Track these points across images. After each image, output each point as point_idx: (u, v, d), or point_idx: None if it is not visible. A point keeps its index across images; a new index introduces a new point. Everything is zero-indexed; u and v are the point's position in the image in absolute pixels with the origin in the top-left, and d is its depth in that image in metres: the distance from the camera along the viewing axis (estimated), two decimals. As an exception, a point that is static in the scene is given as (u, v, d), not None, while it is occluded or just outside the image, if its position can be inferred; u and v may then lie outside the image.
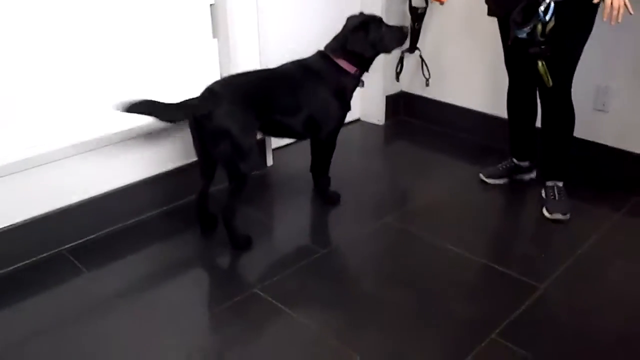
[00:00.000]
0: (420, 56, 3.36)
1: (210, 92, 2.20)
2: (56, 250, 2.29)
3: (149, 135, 2.47)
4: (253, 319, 1.95)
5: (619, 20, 2.09)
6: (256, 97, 2.24)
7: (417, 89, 3.52)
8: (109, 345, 1.84)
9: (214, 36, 2.60)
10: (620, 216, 2.53)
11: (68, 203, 2.30)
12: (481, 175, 2.83)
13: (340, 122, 2.53)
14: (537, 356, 1.76)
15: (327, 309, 2.01)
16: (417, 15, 3.22)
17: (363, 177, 2.97)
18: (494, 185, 2.79)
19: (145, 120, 2.20)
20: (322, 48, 2.47)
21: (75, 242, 2.34)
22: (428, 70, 3.38)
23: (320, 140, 2.53)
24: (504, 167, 2.82)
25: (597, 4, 2.15)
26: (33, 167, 2.15)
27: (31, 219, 2.21)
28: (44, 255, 2.26)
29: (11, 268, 2.18)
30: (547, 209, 2.53)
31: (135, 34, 2.36)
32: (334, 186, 2.68)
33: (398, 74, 3.42)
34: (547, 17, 2.18)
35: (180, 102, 2.17)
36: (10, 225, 2.17)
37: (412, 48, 3.32)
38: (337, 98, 2.44)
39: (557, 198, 2.56)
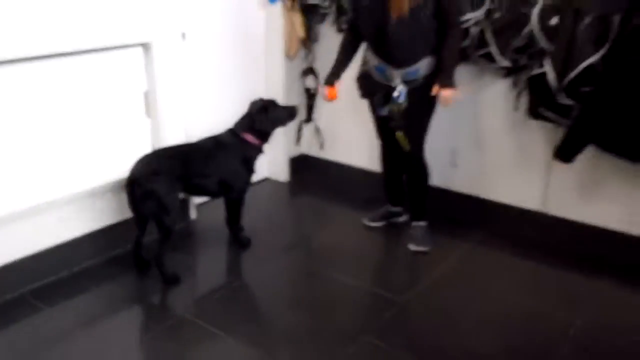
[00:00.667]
0: (315, 125, 4.09)
1: (141, 162, 2.80)
2: (18, 293, 2.74)
3: (92, 196, 2.97)
4: (186, 337, 2.51)
5: (450, 104, 2.90)
6: (178, 165, 2.82)
7: (314, 152, 4.20)
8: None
9: (147, 116, 3.17)
10: (470, 247, 3.27)
11: (25, 254, 2.75)
12: (365, 221, 3.52)
13: (247, 183, 3.11)
14: (402, 351, 2.44)
15: (244, 325, 2.59)
16: (310, 95, 3.97)
17: (271, 226, 3.57)
18: (375, 228, 3.49)
19: (88, 184, 2.79)
20: (231, 126, 3.07)
21: (34, 285, 2.79)
22: (322, 136, 4.10)
23: (231, 198, 3.12)
24: (382, 212, 3.52)
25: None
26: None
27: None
28: (8, 296, 2.70)
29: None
30: (412, 244, 3.23)
31: (82, 113, 2.86)
32: (247, 233, 3.26)
33: (298, 140, 4.13)
34: (400, 100, 2.95)
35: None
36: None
37: (308, 119, 4.06)
38: (243, 165, 3.04)
39: (420, 235, 3.26)
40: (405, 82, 2.91)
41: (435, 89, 2.89)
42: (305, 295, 2.90)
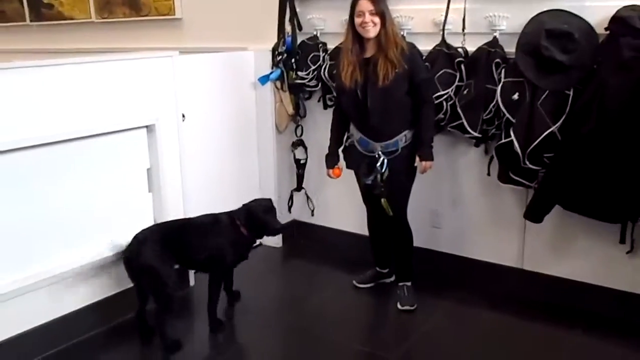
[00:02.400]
0: (306, 193, 4.33)
1: (136, 238, 3.03)
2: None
3: (97, 268, 3.16)
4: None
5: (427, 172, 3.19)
6: (172, 238, 3.05)
7: (306, 218, 4.43)
8: None
9: (149, 191, 3.41)
10: (452, 304, 3.46)
11: (32, 326, 2.92)
12: (354, 282, 3.72)
13: (232, 263, 3.25)
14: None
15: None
16: (300, 165, 4.23)
17: (264, 289, 3.77)
18: (364, 289, 3.69)
19: (94, 257, 3.02)
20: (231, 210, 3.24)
21: (41, 356, 2.94)
22: (312, 203, 4.34)
23: (214, 274, 3.20)
24: (370, 274, 3.71)
25: None
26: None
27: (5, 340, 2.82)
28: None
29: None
30: (399, 303, 3.42)
31: (90, 189, 3.09)
32: (244, 297, 3.49)
33: (290, 207, 4.39)
34: (382, 169, 3.22)
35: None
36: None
37: (299, 187, 4.32)
38: (232, 247, 3.16)
39: (406, 294, 3.45)
40: (386, 153, 3.19)
41: (417, 161, 3.19)
42: (295, 355, 3.07)
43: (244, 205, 3.25)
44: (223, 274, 3.26)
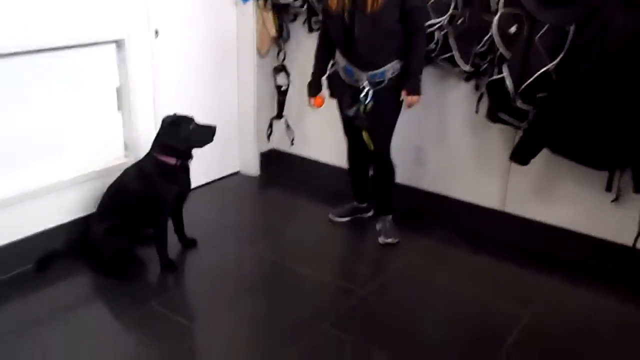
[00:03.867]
0: (286, 121, 4.18)
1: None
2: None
3: (64, 188, 3.03)
4: (154, 328, 2.61)
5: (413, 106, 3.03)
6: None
7: (285, 147, 4.29)
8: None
9: (119, 109, 3.23)
10: (432, 242, 3.40)
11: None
12: (330, 216, 3.63)
13: (170, 202, 2.96)
14: (358, 340, 2.56)
15: (206, 314, 2.70)
16: (281, 92, 4.05)
17: (239, 218, 3.69)
18: (340, 223, 3.60)
19: (61, 176, 2.89)
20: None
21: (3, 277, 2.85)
22: (292, 132, 4.19)
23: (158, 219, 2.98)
24: (348, 208, 3.63)
25: None
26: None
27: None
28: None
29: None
30: (382, 236, 3.35)
31: (55, 107, 2.92)
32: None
33: (269, 136, 4.22)
34: (366, 101, 3.05)
35: None
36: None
37: (279, 115, 4.15)
38: (165, 187, 2.89)
39: (387, 227, 3.40)
40: (372, 83, 3.01)
41: (402, 94, 3.01)
42: (267, 285, 3.01)
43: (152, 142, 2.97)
44: (163, 213, 2.98)
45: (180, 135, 2.86)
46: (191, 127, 2.89)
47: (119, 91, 3.20)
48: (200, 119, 3.02)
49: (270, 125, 4.20)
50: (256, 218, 3.80)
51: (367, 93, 3.02)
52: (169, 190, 2.92)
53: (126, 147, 3.32)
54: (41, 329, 2.54)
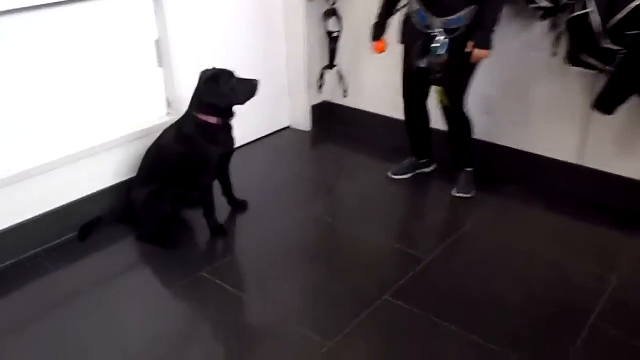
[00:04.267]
0: (339, 71, 3.89)
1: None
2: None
3: (102, 151, 2.86)
4: (203, 295, 2.46)
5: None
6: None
7: (338, 99, 4.02)
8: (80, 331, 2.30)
9: (159, 65, 3.03)
10: (503, 199, 3.13)
11: (40, 212, 2.70)
12: (389, 173, 3.36)
13: (214, 164, 2.74)
14: (423, 311, 2.33)
15: (261, 282, 2.52)
16: (332, 39, 3.74)
17: (292, 177, 3.46)
18: (400, 181, 3.34)
19: (99, 139, 2.74)
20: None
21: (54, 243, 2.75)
22: (345, 82, 3.90)
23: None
24: (407, 164, 3.36)
25: None
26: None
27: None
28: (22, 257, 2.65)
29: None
30: (456, 190, 3.11)
31: (95, 65, 2.74)
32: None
33: (320, 87, 3.95)
34: (440, 52, 2.70)
35: None
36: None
37: (331, 65, 3.86)
38: (209, 143, 2.68)
39: (464, 181, 3.12)
40: (447, 31, 2.69)
41: (469, 46, 2.69)
42: (325, 251, 2.79)
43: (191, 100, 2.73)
44: (207, 176, 2.77)
45: (221, 92, 2.61)
46: (232, 81, 2.64)
47: (158, 44, 2.99)
48: (247, 71, 2.77)
49: (322, 76, 3.91)
50: (309, 177, 3.57)
51: (440, 43, 2.70)
52: (211, 152, 2.72)
53: (169, 104, 3.13)
54: (87, 298, 2.43)
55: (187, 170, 2.74)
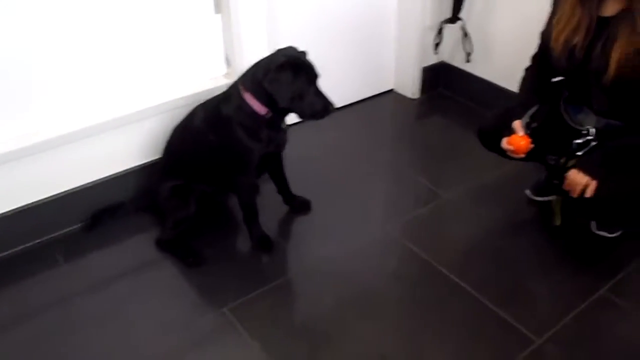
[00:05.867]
0: (463, 27, 2.95)
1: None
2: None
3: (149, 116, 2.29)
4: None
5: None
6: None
7: (458, 62, 3.12)
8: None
9: (217, 12, 2.33)
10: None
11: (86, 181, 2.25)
12: (527, 192, 2.41)
13: (253, 163, 2.07)
14: None
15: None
16: (458, -16, 2.82)
17: (383, 162, 2.72)
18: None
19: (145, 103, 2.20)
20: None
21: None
22: (471, 43, 2.98)
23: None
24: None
25: None
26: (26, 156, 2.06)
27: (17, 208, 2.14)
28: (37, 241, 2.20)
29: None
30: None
31: (130, 12, 2.11)
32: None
33: (437, 45, 3.05)
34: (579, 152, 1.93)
35: None
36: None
37: (454, 18, 2.93)
38: (249, 136, 2.00)
39: None
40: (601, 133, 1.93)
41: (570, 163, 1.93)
42: (418, 287, 2.04)
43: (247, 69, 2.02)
44: (245, 175, 2.10)
45: (290, 90, 1.90)
46: (309, 89, 1.93)
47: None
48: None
49: (440, 31, 3.01)
50: (409, 162, 2.74)
51: (587, 143, 1.94)
52: (249, 149, 2.01)
53: (228, 62, 2.45)
54: (109, 286, 2.02)
55: (218, 165, 2.09)
